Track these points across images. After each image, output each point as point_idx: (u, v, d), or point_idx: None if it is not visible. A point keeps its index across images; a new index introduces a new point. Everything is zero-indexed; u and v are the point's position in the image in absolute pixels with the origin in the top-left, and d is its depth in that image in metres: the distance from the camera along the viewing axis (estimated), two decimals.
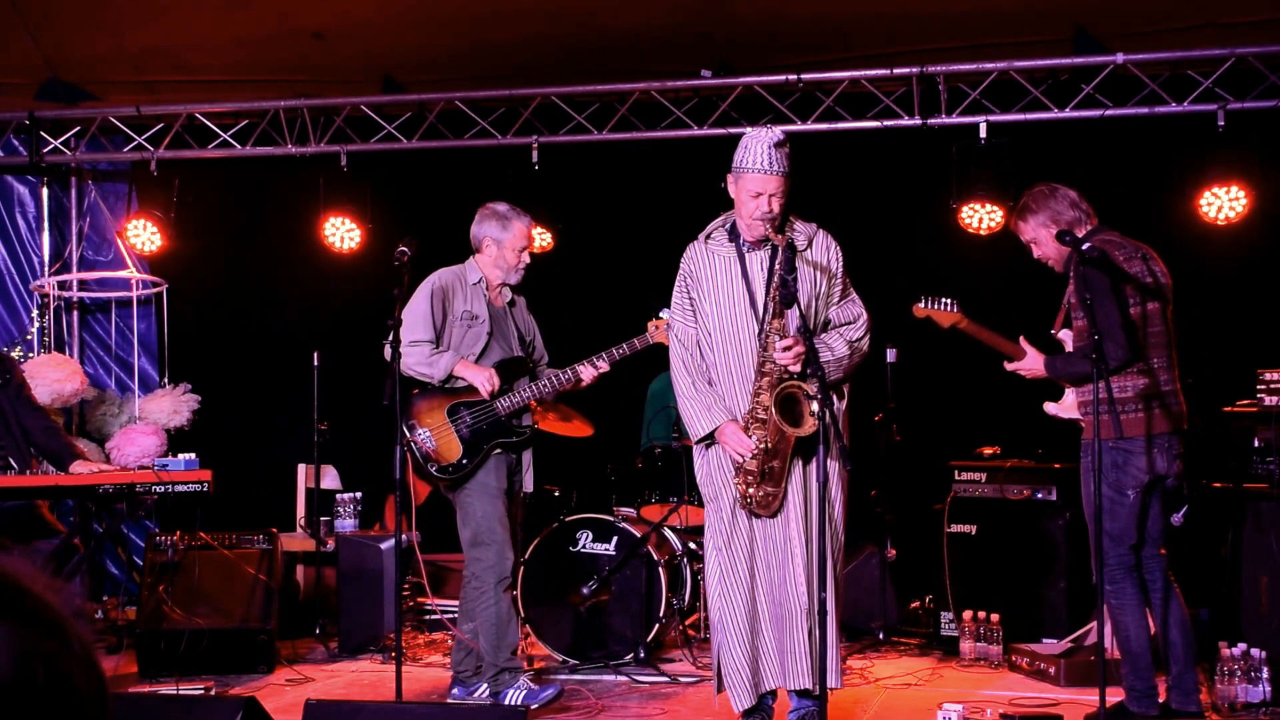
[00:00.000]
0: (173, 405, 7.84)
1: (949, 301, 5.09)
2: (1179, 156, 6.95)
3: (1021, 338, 4.94)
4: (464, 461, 5.19)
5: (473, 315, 5.26)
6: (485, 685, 5.29)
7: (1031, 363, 4.91)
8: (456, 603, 5.97)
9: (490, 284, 5.34)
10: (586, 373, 5.33)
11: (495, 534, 5.19)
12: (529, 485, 5.42)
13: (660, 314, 5.09)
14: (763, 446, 4.41)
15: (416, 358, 5.16)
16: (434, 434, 5.21)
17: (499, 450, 5.25)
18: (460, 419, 5.21)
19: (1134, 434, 4.69)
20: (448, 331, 5.23)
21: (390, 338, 4.77)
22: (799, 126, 7.07)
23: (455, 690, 5.46)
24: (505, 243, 5.29)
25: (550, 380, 5.32)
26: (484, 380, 5.17)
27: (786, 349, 4.37)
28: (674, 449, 6.34)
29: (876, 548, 6.73)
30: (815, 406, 4.30)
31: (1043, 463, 6.32)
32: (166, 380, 8.22)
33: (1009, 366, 4.98)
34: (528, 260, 5.35)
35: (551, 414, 5.93)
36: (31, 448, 5.72)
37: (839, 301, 4.62)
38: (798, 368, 4.40)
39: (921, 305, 5.14)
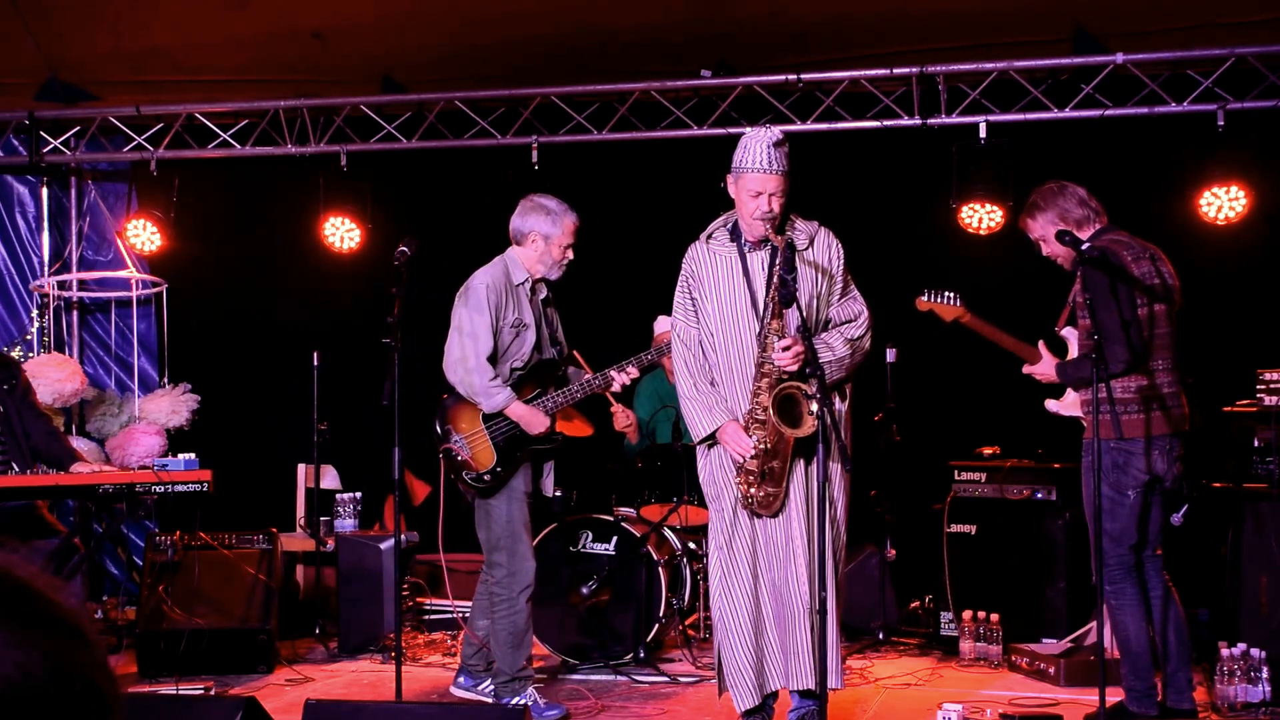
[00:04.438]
0: (171, 405, 7.84)
1: (952, 295, 5.09)
2: (1179, 156, 6.95)
3: (1041, 343, 4.94)
4: (498, 469, 5.13)
5: (523, 323, 5.16)
6: (492, 685, 5.29)
7: (1044, 368, 4.92)
8: (454, 603, 5.98)
9: (530, 280, 5.24)
10: (618, 380, 5.25)
11: (519, 539, 5.16)
12: (548, 490, 5.37)
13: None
14: (762, 447, 4.41)
15: (482, 380, 5.03)
16: (469, 440, 5.15)
17: (529, 457, 5.21)
18: (496, 426, 5.14)
19: (1134, 435, 4.69)
20: (496, 339, 5.11)
21: (391, 337, 4.74)
22: (799, 126, 7.07)
23: (461, 679, 5.45)
24: (554, 239, 5.17)
25: (582, 386, 5.24)
26: (538, 429, 5.12)
27: (785, 349, 4.36)
28: (676, 450, 6.33)
29: (876, 548, 6.73)
30: (815, 406, 4.29)
31: (1043, 463, 6.32)
32: (166, 380, 8.22)
33: (1026, 370, 4.99)
34: (571, 257, 5.23)
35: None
36: (31, 450, 5.72)
37: (839, 299, 4.61)
38: (795, 368, 4.40)
39: (924, 299, 5.14)
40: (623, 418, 6.61)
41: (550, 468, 5.34)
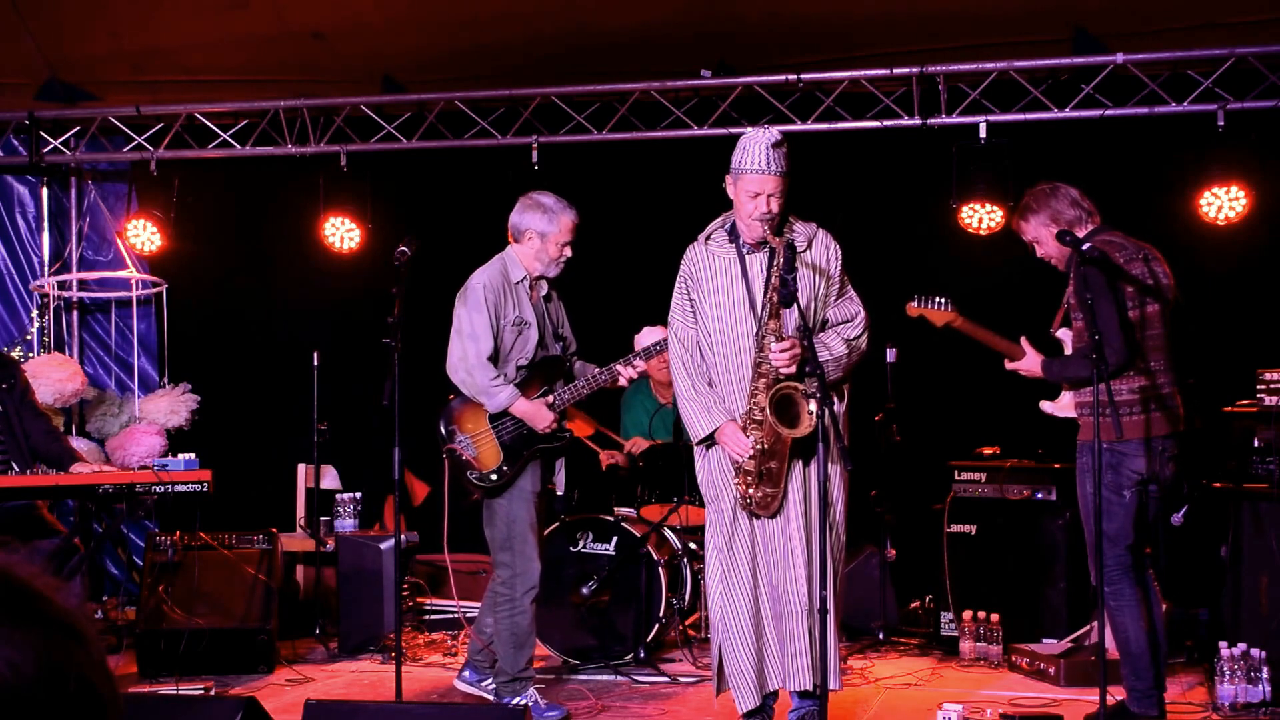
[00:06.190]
0: (171, 405, 7.84)
1: (943, 300, 5.08)
2: (1179, 156, 6.95)
3: (1023, 338, 4.93)
4: (504, 469, 5.11)
5: (524, 321, 5.13)
6: (494, 684, 5.29)
7: (1029, 363, 4.91)
8: (456, 603, 5.98)
9: (529, 278, 5.21)
10: (625, 374, 5.22)
11: (525, 539, 5.14)
12: (562, 487, 5.37)
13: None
14: (759, 448, 4.41)
15: (484, 379, 5.02)
16: (474, 440, 5.13)
17: (537, 456, 5.20)
18: (502, 425, 5.12)
19: (1131, 436, 4.68)
20: (497, 338, 5.08)
21: (391, 337, 4.74)
22: (799, 126, 7.07)
23: (466, 673, 5.46)
24: (550, 236, 5.13)
25: (589, 380, 5.21)
26: (544, 427, 5.10)
27: (783, 350, 4.36)
28: (678, 449, 6.34)
29: (876, 548, 6.73)
30: (813, 405, 4.30)
31: (1043, 463, 6.32)
32: (166, 380, 8.22)
33: (1009, 365, 4.98)
34: (569, 254, 5.19)
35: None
36: (31, 450, 5.72)
37: (836, 300, 4.61)
38: (793, 369, 4.40)
39: (915, 304, 5.13)
40: (606, 458, 6.66)
41: (562, 464, 5.33)
